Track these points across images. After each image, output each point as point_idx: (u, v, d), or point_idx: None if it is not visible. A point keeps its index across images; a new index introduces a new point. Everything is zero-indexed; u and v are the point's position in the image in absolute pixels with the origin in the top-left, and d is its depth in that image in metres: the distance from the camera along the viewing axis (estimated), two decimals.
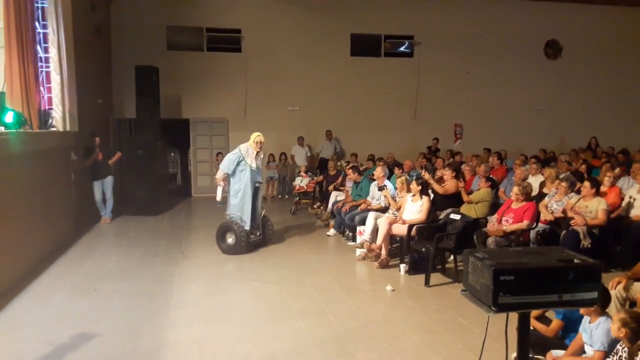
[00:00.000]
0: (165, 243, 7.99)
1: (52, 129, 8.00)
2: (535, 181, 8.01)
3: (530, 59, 14.66)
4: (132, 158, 10.27)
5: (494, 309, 2.02)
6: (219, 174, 7.48)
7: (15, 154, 6.11)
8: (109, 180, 9.48)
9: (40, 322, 4.80)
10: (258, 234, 7.63)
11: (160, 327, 4.70)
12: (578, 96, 14.84)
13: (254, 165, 7.36)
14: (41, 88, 7.80)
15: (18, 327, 4.69)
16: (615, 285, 4.08)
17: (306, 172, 11.36)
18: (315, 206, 10.94)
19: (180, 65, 12.72)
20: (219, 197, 7.62)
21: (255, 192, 7.49)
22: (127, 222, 9.62)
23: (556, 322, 3.84)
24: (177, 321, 4.85)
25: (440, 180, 7.82)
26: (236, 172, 7.35)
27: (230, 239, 7.33)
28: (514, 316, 2.26)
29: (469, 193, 7.52)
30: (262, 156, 7.63)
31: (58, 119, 8.09)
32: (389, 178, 8.50)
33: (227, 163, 7.39)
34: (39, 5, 7.86)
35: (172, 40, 12.96)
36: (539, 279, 2.05)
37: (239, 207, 7.38)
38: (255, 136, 7.40)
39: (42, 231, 7.00)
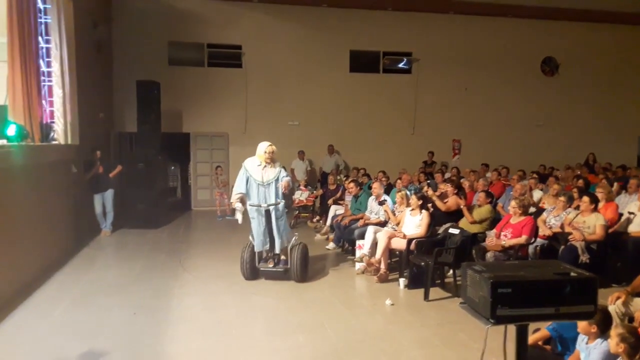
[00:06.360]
0: (165, 256, 7.98)
1: (54, 142, 8.05)
2: (534, 196, 8.06)
3: (527, 75, 14.82)
4: (132, 171, 10.30)
5: (491, 321, 2.04)
6: (233, 197, 6.62)
7: (17, 166, 6.16)
8: (109, 193, 9.52)
9: (40, 335, 4.79)
10: (280, 262, 6.68)
11: (159, 341, 4.69)
12: (575, 112, 14.98)
13: (259, 179, 6.48)
14: (43, 102, 7.85)
15: (17, 340, 4.68)
16: (614, 300, 4.09)
17: (305, 186, 11.41)
18: (314, 220, 10.95)
19: (182, 80, 12.82)
20: (239, 218, 6.63)
21: (267, 213, 6.52)
22: (126, 235, 9.64)
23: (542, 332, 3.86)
24: (176, 335, 4.85)
25: (442, 197, 7.84)
26: (248, 190, 6.56)
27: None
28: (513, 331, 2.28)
29: (470, 209, 7.52)
30: (275, 169, 6.59)
31: (59, 132, 8.15)
32: (388, 192, 8.54)
33: (237, 183, 6.59)
34: (42, 20, 7.95)
35: (174, 56, 13.09)
36: (536, 291, 2.07)
37: (252, 226, 6.67)
38: (266, 146, 6.48)
39: (42, 243, 7.01)
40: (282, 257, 6.67)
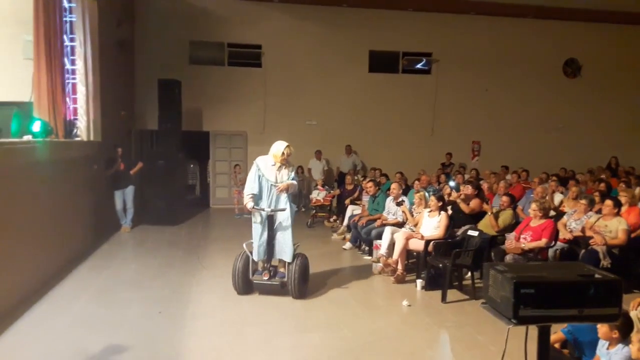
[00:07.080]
0: (183, 253, 8.07)
1: (77, 139, 8.19)
2: (555, 199, 7.95)
3: (548, 77, 14.61)
4: (153, 169, 10.42)
5: (514, 321, 2.02)
6: (245, 199, 5.97)
7: (42, 161, 6.29)
8: (130, 190, 9.64)
9: (59, 329, 4.87)
10: (277, 275, 5.99)
11: (177, 337, 4.74)
12: (597, 115, 14.73)
13: (272, 179, 5.90)
14: (67, 99, 7.98)
15: (37, 334, 4.77)
16: (636, 306, 4.02)
17: (323, 186, 11.42)
18: (331, 220, 10.96)
19: (202, 79, 12.94)
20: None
21: (271, 219, 5.93)
22: (146, 231, 9.75)
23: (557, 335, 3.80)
24: (193, 331, 4.89)
25: (465, 199, 7.75)
26: (259, 190, 5.97)
27: None
28: (533, 333, 2.26)
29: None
30: (289, 171, 5.99)
31: (82, 129, 8.29)
32: (405, 193, 8.50)
33: (248, 184, 5.96)
34: (67, 19, 8.09)
35: (195, 55, 13.22)
36: (560, 292, 2.05)
37: (254, 232, 6.05)
38: (284, 147, 5.84)
39: (64, 238, 7.13)
40: (281, 269, 6.03)
